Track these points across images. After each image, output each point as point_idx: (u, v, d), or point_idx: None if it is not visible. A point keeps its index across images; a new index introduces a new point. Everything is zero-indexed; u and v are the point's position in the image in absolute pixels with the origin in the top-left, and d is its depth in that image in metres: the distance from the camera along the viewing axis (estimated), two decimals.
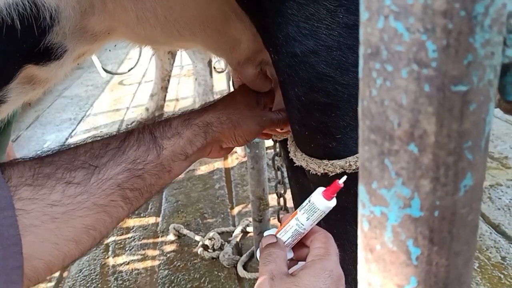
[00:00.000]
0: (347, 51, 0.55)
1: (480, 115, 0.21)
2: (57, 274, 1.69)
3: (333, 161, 0.62)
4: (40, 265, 0.56)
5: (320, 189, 0.60)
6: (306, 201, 0.62)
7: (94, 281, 1.65)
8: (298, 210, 0.63)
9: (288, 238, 0.63)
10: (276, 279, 0.60)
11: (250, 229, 1.80)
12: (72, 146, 0.64)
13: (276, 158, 1.22)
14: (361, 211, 0.26)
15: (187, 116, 0.72)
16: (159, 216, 2.02)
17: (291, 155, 0.69)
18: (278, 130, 0.84)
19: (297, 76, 0.58)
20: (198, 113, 0.73)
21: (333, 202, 0.60)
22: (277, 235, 0.64)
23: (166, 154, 0.67)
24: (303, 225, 0.62)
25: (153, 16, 0.60)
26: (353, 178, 0.63)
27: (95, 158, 0.62)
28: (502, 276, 1.50)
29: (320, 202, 0.60)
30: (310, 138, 0.63)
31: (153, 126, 0.69)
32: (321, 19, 0.53)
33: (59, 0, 0.54)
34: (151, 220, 2.00)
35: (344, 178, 0.58)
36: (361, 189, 0.25)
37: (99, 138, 0.66)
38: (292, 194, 0.97)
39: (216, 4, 0.63)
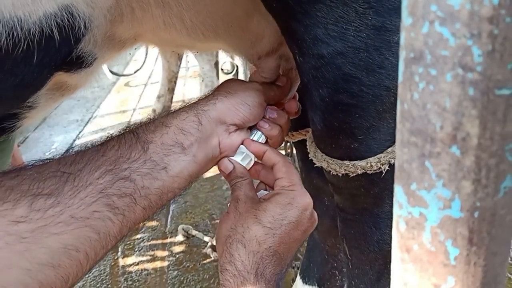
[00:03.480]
0: (374, 53, 0.55)
1: None
2: None
3: (355, 162, 0.62)
4: None
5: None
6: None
7: (104, 281, 1.65)
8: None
9: (254, 139, 0.70)
10: (241, 202, 0.63)
11: None
12: (46, 159, 0.54)
13: (288, 158, 1.22)
14: (397, 212, 0.26)
15: (173, 110, 0.65)
16: (167, 217, 2.03)
17: (311, 155, 0.69)
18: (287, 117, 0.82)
19: (323, 77, 0.58)
20: (184, 105, 0.66)
21: None
22: (232, 160, 0.68)
23: (154, 148, 0.58)
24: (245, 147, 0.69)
25: (180, 21, 0.61)
26: (372, 179, 0.64)
27: (69, 165, 0.52)
28: (511, 277, 1.50)
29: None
30: (332, 139, 0.64)
31: (135, 127, 0.61)
32: (350, 21, 0.54)
33: (93, 9, 0.55)
34: (160, 221, 2.01)
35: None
36: (398, 190, 0.25)
37: (76, 149, 0.57)
38: None
39: (241, 4, 0.63)
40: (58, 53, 0.56)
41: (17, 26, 0.51)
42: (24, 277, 0.46)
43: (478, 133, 0.21)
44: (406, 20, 0.22)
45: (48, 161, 0.54)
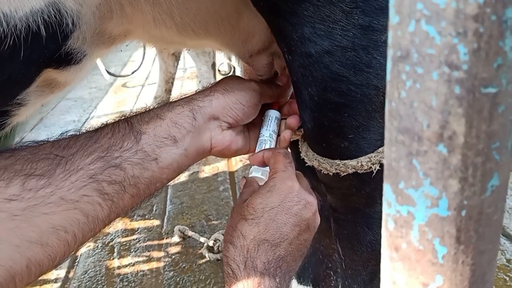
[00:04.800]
0: (361, 52, 0.56)
1: (508, 117, 0.22)
2: (62, 275, 1.70)
3: (345, 161, 0.62)
4: (0, 273, 0.46)
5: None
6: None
7: (99, 282, 1.65)
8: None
9: (258, 151, 0.73)
10: (234, 207, 0.65)
11: None
12: (41, 140, 0.56)
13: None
14: (386, 210, 0.26)
15: (169, 102, 0.66)
16: (163, 218, 2.02)
17: (303, 155, 0.69)
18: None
19: (311, 76, 0.59)
20: (181, 97, 0.67)
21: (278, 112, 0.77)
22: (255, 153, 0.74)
23: (146, 139, 0.59)
24: (263, 134, 0.73)
25: (169, 17, 0.61)
26: (363, 179, 0.64)
27: (62, 149, 0.53)
28: (507, 279, 1.50)
29: (271, 111, 0.75)
30: (323, 137, 0.64)
31: (130, 116, 0.62)
32: (337, 20, 0.54)
33: (81, 6, 0.55)
34: (156, 221, 2.00)
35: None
36: (387, 188, 0.26)
37: (71, 133, 0.58)
38: None
39: (230, 2, 0.63)
40: (46, 50, 0.56)
41: (3, 21, 0.51)
42: (13, 253, 0.47)
43: (464, 131, 0.21)
44: (393, 18, 0.22)
45: (43, 143, 0.55)
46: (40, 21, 0.52)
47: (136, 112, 0.63)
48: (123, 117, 0.62)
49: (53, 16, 0.53)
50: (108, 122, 0.60)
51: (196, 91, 0.70)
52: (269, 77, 0.77)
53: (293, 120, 0.74)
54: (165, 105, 0.65)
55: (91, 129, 0.59)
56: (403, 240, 0.25)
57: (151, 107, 0.65)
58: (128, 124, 0.60)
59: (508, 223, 1.75)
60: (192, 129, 0.63)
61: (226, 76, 2.76)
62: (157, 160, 0.60)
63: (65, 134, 0.58)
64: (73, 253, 0.56)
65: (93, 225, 0.54)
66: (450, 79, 0.21)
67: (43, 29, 0.53)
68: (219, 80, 0.70)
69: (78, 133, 0.58)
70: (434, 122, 0.22)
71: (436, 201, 0.23)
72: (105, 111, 3.57)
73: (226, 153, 0.70)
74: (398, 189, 0.24)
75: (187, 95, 0.67)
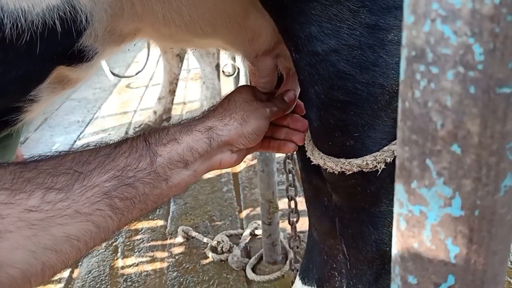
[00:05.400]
0: (367, 50, 0.56)
1: None
2: (66, 275, 1.70)
3: (351, 159, 0.62)
4: (16, 274, 0.51)
5: None
6: None
7: (103, 282, 1.65)
8: None
9: None
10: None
11: (258, 232, 1.80)
12: (63, 152, 0.61)
13: (288, 160, 1.22)
14: (398, 210, 0.26)
15: (188, 123, 0.69)
16: (167, 219, 2.03)
17: (309, 153, 0.69)
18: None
19: (318, 74, 0.59)
20: (199, 119, 0.71)
21: None
22: None
23: (160, 161, 0.63)
24: None
25: (179, 16, 0.61)
26: (368, 178, 0.64)
27: (82, 165, 0.58)
28: (511, 281, 1.50)
29: None
30: (328, 136, 0.64)
31: (148, 134, 0.66)
32: (344, 19, 0.54)
33: (94, 3, 0.55)
34: (160, 222, 2.00)
35: None
36: (399, 188, 0.26)
37: (92, 146, 0.63)
38: (305, 196, 0.98)
39: (238, 0, 0.64)
40: (60, 46, 0.57)
41: (21, 17, 0.52)
42: (30, 257, 0.52)
43: (478, 131, 0.21)
44: (407, 18, 0.22)
45: (66, 154, 0.60)
46: (56, 17, 0.54)
47: (156, 130, 0.67)
48: (143, 135, 0.66)
49: (68, 12, 0.54)
50: (129, 137, 0.65)
51: (213, 108, 0.75)
52: (272, 81, 0.77)
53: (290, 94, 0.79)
54: (184, 126, 0.68)
55: (111, 145, 0.63)
56: (415, 239, 0.25)
57: (172, 124, 0.69)
58: (146, 144, 0.64)
59: None
60: (205, 154, 0.68)
61: (229, 80, 2.74)
62: (167, 180, 0.64)
63: (86, 147, 0.63)
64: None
65: (104, 234, 0.59)
66: (465, 79, 0.21)
67: (59, 25, 0.54)
68: (238, 104, 0.73)
69: (98, 147, 0.62)
70: (449, 122, 0.22)
71: (449, 200, 0.23)
72: (109, 112, 3.58)
73: (232, 166, 0.76)
74: (411, 188, 0.24)
75: (206, 116, 0.72)
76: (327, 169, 0.65)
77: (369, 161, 0.61)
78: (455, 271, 0.25)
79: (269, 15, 0.61)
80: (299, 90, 0.78)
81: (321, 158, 0.66)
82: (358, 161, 0.61)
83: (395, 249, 0.27)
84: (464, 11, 0.20)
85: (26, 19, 0.52)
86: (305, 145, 0.73)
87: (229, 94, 0.77)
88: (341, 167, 0.62)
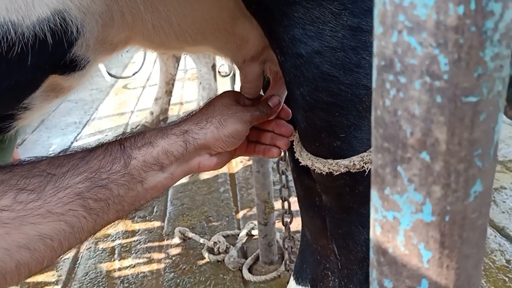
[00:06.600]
0: (350, 52, 0.57)
1: (490, 125, 0.22)
2: (63, 277, 1.70)
3: (338, 160, 0.63)
4: None
5: None
6: None
7: (100, 283, 1.66)
8: None
9: None
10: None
11: (255, 232, 1.80)
12: (40, 157, 0.62)
13: (281, 162, 1.23)
14: (373, 215, 0.27)
15: (164, 127, 0.70)
16: (164, 220, 2.03)
17: (297, 154, 0.70)
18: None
19: (303, 76, 0.59)
20: (175, 124, 0.71)
21: None
22: None
23: (135, 164, 0.64)
24: None
25: (168, 24, 0.62)
26: (356, 178, 0.65)
27: (55, 168, 0.60)
28: (507, 279, 1.50)
29: None
30: (315, 137, 0.65)
31: (124, 138, 0.67)
32: (326, 21, 0.55)
33: (84, 14, 0.56)
34: (157, 223, 2.01)
35: None
36: (374, 194, 0.26)
37: (69, 151, 0.64)
38: (297, 196, 0.98)
39: (227, 8, 0.65)
40: (52, 57, 0.58)
41: (11, 29, 0.53)
42: (4, 255, 0.54)
43: (446, 139, 0.22)
44: (377, 29, 0.23)
45: (41, 159, 0.61)
46: (46, 29, 0.54)
47: (131, 134, 0.68)
48: (118, 137, 0.66)
49: (58, 24, 0.55)
50: (104, 141, 0.66)
51: (192, 112, 0.74)
52: (256, 86, 0.78)
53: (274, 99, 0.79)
54: (161, 130, 0.69)
55: (86, 148, 0.64)
56: (390, 244, 0.26)
57: (147, 131, 0.69)
58: (121, 147, 0.65)
59: (507, 223, 1.76)
60: (181, 157, 0.68)
61: (225, 80, 2.74)
62: (142, 182, 0.65)
63: (63, 152, 0.64)
64: (67, 254, 0.63)
65: (79, 234, 0.60)
66: (432, 88, 0.21)
67: (50, 37, 0.55)
68: (216, 108, 0.73)
69: (74, 152, 0.63)
70: (417, 130, 0.22)
71: (420, 206, 0.24)
72: (106, 113, 3.58)
73: (212, 170, 0.75)
74: (384, 195, 0.25)
75: (183, 120, 0.72)
76: (315, 170, 0.66)
77: (356, 162, 0.61)
78: (428, 275, 0.25)
79: (256, 21, 0.62)
80: (285, 95, 0.78)
81: (309, 159, 0.66)
82: (345, 161, 0.62)
83: (372, 254, 0.28)
84: (429, 22, 0.20)
85: (16, 31, 0.52)
86: (294, 146, 0.73)
87: (210, 100, 0.77)
88: (329, 168, 0.63)
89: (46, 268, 0.61)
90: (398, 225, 0.25)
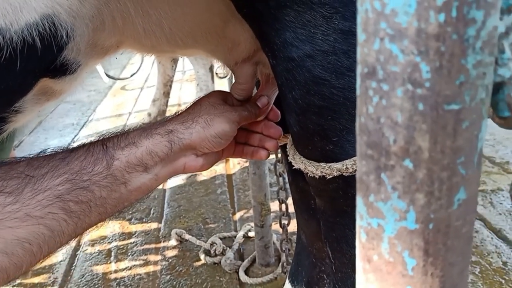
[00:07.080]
0: (342, 56, 0.56)
1: (473, 132, 0.22)
2: (59, 279, 1.70)
3: (331, 164, 0.63)
4: None
5: None
6: None
7: (96, 286, 1.65)
8: None
9: None
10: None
11: (252, 234, 1.80)
12: (18, 158, 0.60)
13: (278, 164, 1.22)
14: (359, 222, 0.26)
15: (149, 127, 0.68)
16: (161, 221, 2.03)
17: (290, 158, 0.70)
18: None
19: (294, 79, 0.59)
20: (160, 123, 0.69)
21: None
22: None
23: (118, 165, 0.62)
24: None
25: (159, 28, 0.62)
26: (349, 182, 0.64)
27: (34, 169, 0.57)
28: (503, 281, 1.50)
29: None
30: (308, 140, 0.65)
31: (107, 138, 0.65)
32: (318, 25, 0.55)
33: (74, 18, 0.56)
34: (153, 225, 2.01)
35: None
36: (359, 201, 0.26)
37: (49, 151, 0.61)
38: (293, 199, 0.98)
39: (217, 11, 0.65)
40: (41, 61, 0.57)
41: None
42: None
43: (429, 147, 0.22)
44: (360, 36, 0.22)
45: (20, 160, 0.59)
46: (35, 33, 0.54)
47: (115, 134, 0.65)
48: (101, 138, 0.64)
49: (47, 28, 0.55)
50: (86, 142, 0.63)
51: (178, 112, 0.73)
52: (249, 87, 0.77)
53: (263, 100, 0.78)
54: (145, 129, 0.67)
55: (67, 149, 0.62)
56: (375, 252, 0.26)
57: (130, 130, 0.67)
58: (103, 147, 0.62)
59: (504, 225, 1.76)
60: (166, 157, 0.66)
61: (222, 82, 2.75)
62: (125, 184, 0.63)
63: (43, 152, 0.61)
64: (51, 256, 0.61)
65: (59, 238, 0.58)
66: (414, 96, 0.21)
67: (39, 41, 0.55)
68: (202, 108, 0.72)
69: (54, 152, 0.61)
70: (400, 137, 0.22)
71: (404, 214, 0.23)
72: (104, 114, 3.58)
73: (199, 171, 0.74)
74: (369, 202, 0.25)
75: (169, 120, 0.70)
76: (308, 173, 0.65)
77: (349, 165, 0.61)
78: (413, 283, 0.25)
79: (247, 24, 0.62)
80: (275, 96, 0.78)
81: (302, 162, 0.66)
82: (338, 165, 0.62)
83: (358, 261, 0.27)
84: (410, 30, 0.20)
85: (4, 36, 0.52)
86: (287, 150, 0.73)
87: (197, 99, 0.75)
88: (322, 172, 0.63)
89: (26, 273, 0.60)
90: (382, 233, 0.25)
